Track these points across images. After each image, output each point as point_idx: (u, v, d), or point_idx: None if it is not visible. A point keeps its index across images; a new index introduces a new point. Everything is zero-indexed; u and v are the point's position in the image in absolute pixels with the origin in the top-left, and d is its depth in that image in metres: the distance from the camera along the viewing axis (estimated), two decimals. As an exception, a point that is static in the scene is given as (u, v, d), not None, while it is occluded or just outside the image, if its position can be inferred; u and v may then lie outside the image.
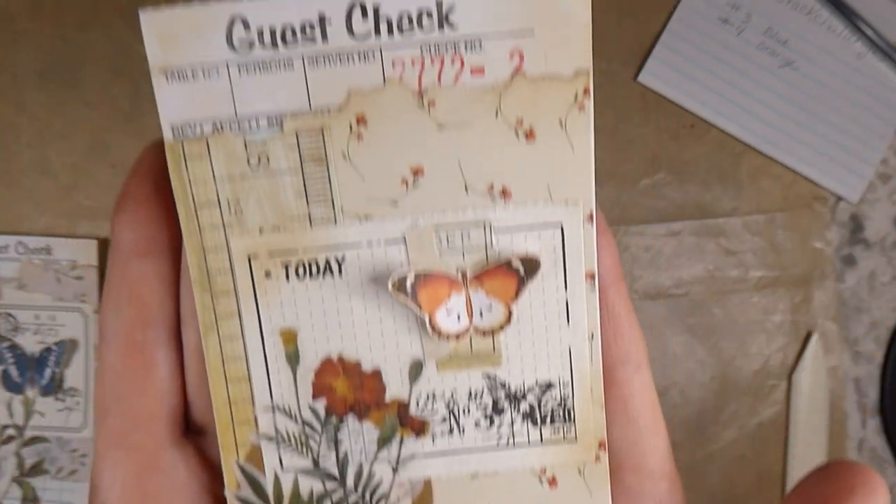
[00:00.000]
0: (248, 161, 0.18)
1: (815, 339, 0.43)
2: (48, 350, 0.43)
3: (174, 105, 0.18)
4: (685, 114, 0.44)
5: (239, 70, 0.17)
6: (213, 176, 0.18)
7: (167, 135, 0.19)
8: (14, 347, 0.44)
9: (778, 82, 0.43)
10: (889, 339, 0.43)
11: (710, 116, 0.43)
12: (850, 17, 0.43)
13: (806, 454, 0.43)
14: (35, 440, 0.43)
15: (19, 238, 0.43)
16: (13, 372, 0.43)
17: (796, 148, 0.43)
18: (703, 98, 0.43)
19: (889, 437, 0.43)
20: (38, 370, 0.43)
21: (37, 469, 0.43)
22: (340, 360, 0.19)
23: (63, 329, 0.43)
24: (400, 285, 0.18)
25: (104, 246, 0.44)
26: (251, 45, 0.17)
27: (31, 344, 0.44)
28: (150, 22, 0.17)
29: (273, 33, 0.17)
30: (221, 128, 0.18)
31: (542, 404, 0.19)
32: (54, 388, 0.43)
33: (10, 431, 0.44)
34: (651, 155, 0.44)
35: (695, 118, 0.44)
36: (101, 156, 0.44)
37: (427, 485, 0.19)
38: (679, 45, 0.44)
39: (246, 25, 0.17)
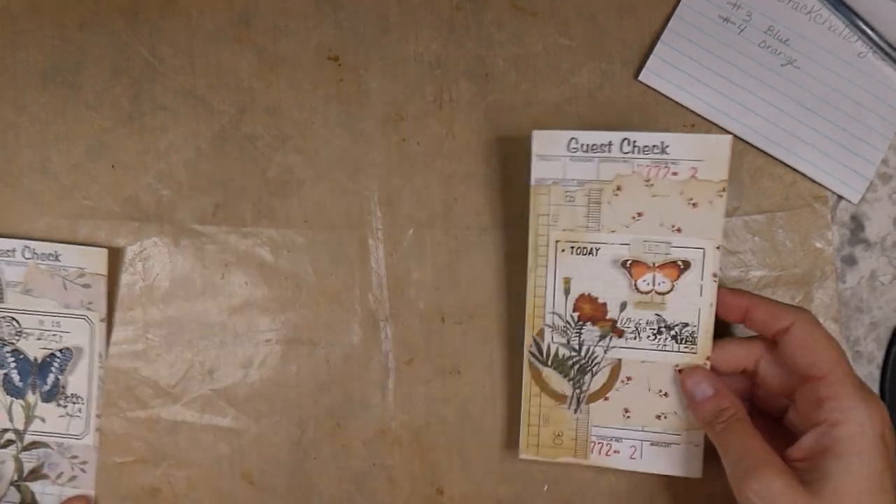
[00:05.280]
0: (565, 199, 0.38)
1: (815, 339, 0.43)
2: (52, 356, 0.43)
3: (538, 170, 0.38)
4: (686, 113, 0.44)
5: (569, 159, 0.38)
6: (549, 202, 0.38)
7: (532, 182, 0.38)
8: (16, 352, 0.43)
9: (779, 81, 0.43)
10: (889, 339, 0.43)
11: (711, 115, 0.43)
12: (851, 16, 0.43)
13: (806, 454, 0.43)
14: (35, 445, 0.43)
15: (26, 242, 0.43)
16: (14, 376, 0.43)
17: (797, 147, 0.43)
18: (703, 97, 0.43)
19: (890, 438, 0.43)
20: (40, 376, 0.43)
21: (36, 474, 0.43)
22: (589, 295, 0.39)
23: (68, 336, 0.43)
24: (623, 264, 0.38)
25: (114, 255, 0.44)
26: (576, 150, 0.38)
27: (33, 349, 0.43)
28: (538, 136, 0.38)
29: (586, 146, 0.37)
30: (556, 183, 0.38)
31: (681, 333, 0.38)
32: (56, 394, 0.43)
33: (10, 436, 0.44)
34: (651, 155, 0.44)
35: (695, 117, 0.44)
36: (101, 156, 0.44)
37: (619, 361, 0.39)
38: (680, 43, 0.43)
39: (576, 142, 0.38)
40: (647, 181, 0.37)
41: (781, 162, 0.43)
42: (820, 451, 0.32)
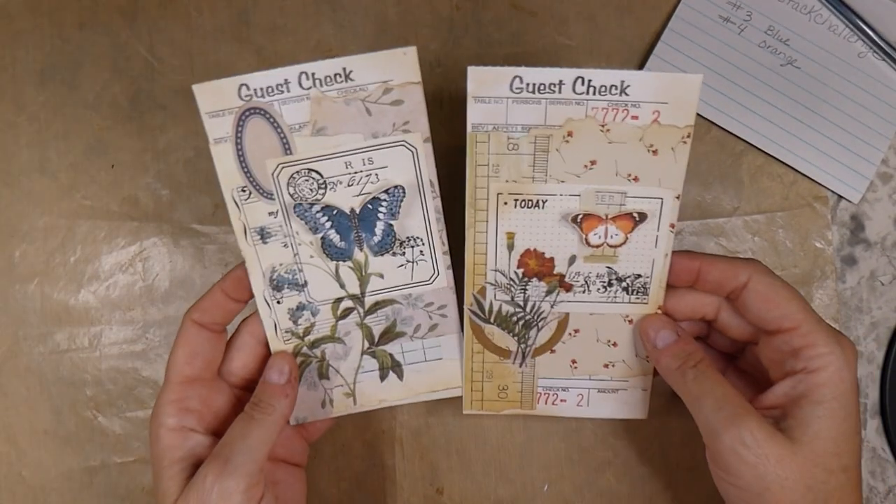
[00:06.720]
0: (507, 147, 0.34)
1: (815, 338, 0.43)
2: (374, 201, 0.36)
3: (475, 114, 0.33)
4: (685, 113, 0.44)
5: (512, 101, 0.33)
6: (488, 151, 0.34)
7: (469, 128, 0.34)
8: (327, 208, 0.36)
9: (779, 81, 0.43)
10: (889, 339, 0.43)
11: (711, 115, 0.43)
12: (851, 16, 0.43)
13: (806, 454, 0.43)
14: (379, 305, 0.38)
15: (302, 68, 0.34)
16: (333, 237, 0.36)
17: (797, 147, 0.43)
18: (704, 97, 0.43)
19: (889, 438, 0.43)
20: (364, 228, 0.36)
21: (389, 335, 0.38)
22: (535, 250, 0.36)
23: (385, 172, 0.35)
24: (573, 218, 0.35)
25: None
26: (521, 90, 0.33)
27: (346, 199, 0.36)
28: (474, 73, 0.33)
29: (533, 86, 0.33)
30: (497, 129, 0.34)
31: (633, 284, 0.36)
32: (390, 244, 0.36)
33: (347, 303, 0.37)
34: (651, 155, 0.44)
35: (695, 117, 0.43)
36: (100, 155, 0.44)
37: (566, 315, 0.37)
38: (680, 43, 0.43)
39: (520, 80, 0.33)
40: (603, 126, 0.33)
41: (781, 162, 0.43)
42: (796, 397, 0.32)
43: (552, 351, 0.38)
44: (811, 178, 0.43)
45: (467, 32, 0.44)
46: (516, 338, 0.38)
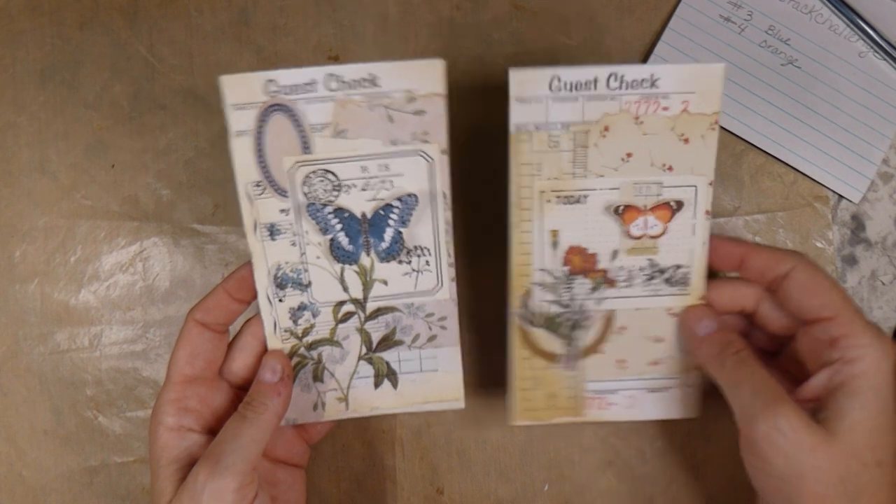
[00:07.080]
0: (549, 144, 0.35)
1: (815, 338, 0.43)
2: (387, 208, 0.36)
3: (517, 114, 0.35)
4: (686, 113, 0.44)
5: (551, 100, 0.34)
6: (531, 150, 0.35)
7: (512, 129, 0.35)
8: (339, 211, 0.36)
9: (779, 81, 0.43)
10: (890, 339, 0.43)
11: (711, 115, 0.43)
12: (852, 16, 0.43)
13: (806, 454, 0.43)
14: (380, 312, 0.38)
15: (329, 69, 0.34)
16: (342, 240, 0.37)
17: (797, 147, 0.43)
18: (704, 97, 0.43)
19: (890, 438, 0.43)
20: (373, 233, 0.36)
21: (388, 342, 0.38)
22: (578, 247, 0.36)
23: (400, 179, 0.36)
24: (614, 210, 0.36)
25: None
26: (559, 89, 0.34)
27: (359, 203, 0.36)
28: (515, 74, 0.34)
29: (570, 84, 0.34)
30: (539, 128, 0.35)
31: (674, 275, 0.37)
32: (398, 251, 0.37)
33: (349, 307, 0.37)
34: (651, 154, 0.44)
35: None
36: (100, 155, 0.44)
37: (612, 311, 0.37)
38: (681, 43, 0.43)
39: (558, 80, 0.34)
40: (637, 118, 0.35)
41: (782, 161, 0.43)
42: (832, 389, 0.32)
43: (600, 351, 0.37)
44: (812, 178, 0.43)
45: (467, 32, 0.44)
46: (563, 340, 0.37)
